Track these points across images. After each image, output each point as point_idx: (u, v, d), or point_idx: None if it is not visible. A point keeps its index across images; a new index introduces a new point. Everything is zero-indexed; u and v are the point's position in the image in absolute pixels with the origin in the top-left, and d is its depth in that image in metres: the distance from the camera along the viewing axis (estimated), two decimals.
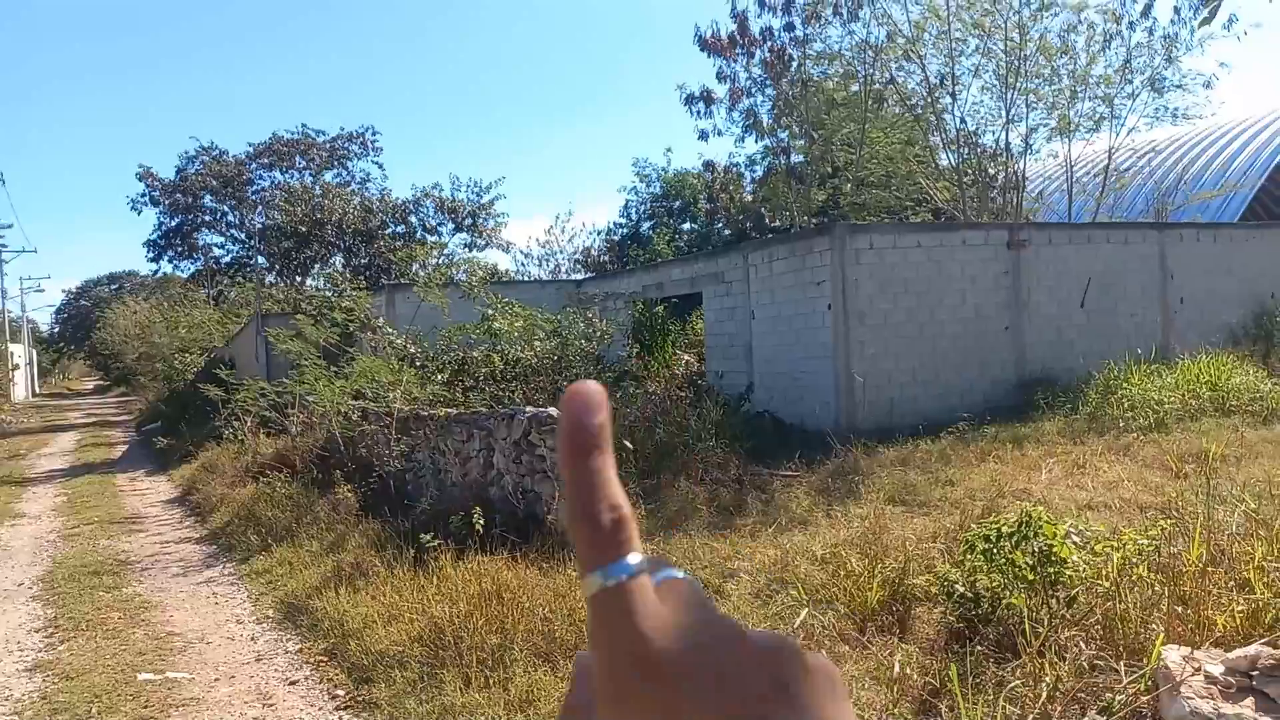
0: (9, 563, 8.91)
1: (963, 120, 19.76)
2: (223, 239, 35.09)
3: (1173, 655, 3.38)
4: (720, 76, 22.24)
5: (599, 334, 11.54)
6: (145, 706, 4.93)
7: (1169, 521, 4.81)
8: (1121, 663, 3.71)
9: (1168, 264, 14.62)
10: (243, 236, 34.04)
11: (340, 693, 5.00)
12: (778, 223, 26.35)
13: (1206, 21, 3.42)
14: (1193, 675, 3.24)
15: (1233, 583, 4.20)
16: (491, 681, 4.56)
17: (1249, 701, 3.08)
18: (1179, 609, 4.01)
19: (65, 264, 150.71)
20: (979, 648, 4.27)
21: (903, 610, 4.94)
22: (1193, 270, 14.84)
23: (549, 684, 4.45)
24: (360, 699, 4.85)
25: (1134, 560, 4.44)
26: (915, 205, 22.26)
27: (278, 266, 32.96)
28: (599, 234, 36.14)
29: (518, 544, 6.44)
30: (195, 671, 5.47)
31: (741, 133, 24.27)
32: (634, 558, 0.38)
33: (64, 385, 73.87)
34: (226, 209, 34.08)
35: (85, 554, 9.07)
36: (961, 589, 4.71)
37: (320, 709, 4.82)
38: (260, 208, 33.38)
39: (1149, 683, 3.46)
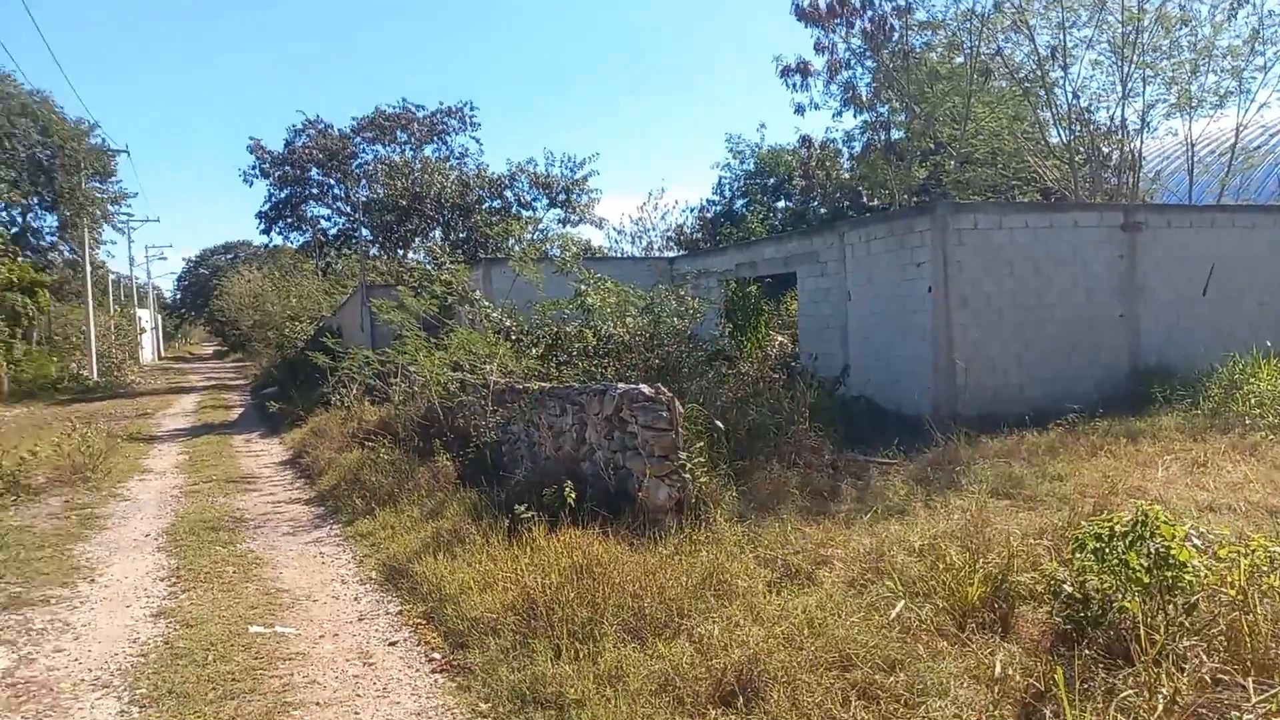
0: (138, 514, 9.48)
1: (1074, 95, 18.86)
2: (329, 211, 36.33)
3: None
4: (818, 48, 21.75)
5: (691, 312, 11.47)
6: (256, 658, 5.17)
7: None
8: (1250, 679, 3.49)
9: None
10: (348, 209, 35.16)
11: (436, 656, 5.13)
12: (876, 201, 25.72)
13: None
14: None
15: None
16: (581, 654, 4.60)
17: None
18: None
19: (186, 233, 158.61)
20: (1087, 652, 4.09)
21: (1005, 608, 4.76)
22: None
23: (637, 659, 4.46)
24: (455, 663, 4.96)
25: (1264, 568, 4.17)
26: (1023, 184, 21.40)
27: (381, 239, 33.96)
28: (692, 211, 36.00)
29: (608, 519, 6.48)
30: (301, 627, 5.71)
31: (840, 106, 23.74)
32: None
33: (186, 349, 78.08)
34: (332, 182, 35.24)
35: (204, 510, 9.58)
36: (1070, 589, 4.52)
37: (417, 670, 4.96)
38: (364, 181, 34.39)
39: None
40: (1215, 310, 12.98)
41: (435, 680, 4.82)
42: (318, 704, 4.56)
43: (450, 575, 5.99)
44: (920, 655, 4.31)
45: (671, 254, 28.61)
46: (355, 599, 6.32)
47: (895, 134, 23.64)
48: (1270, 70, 17.73)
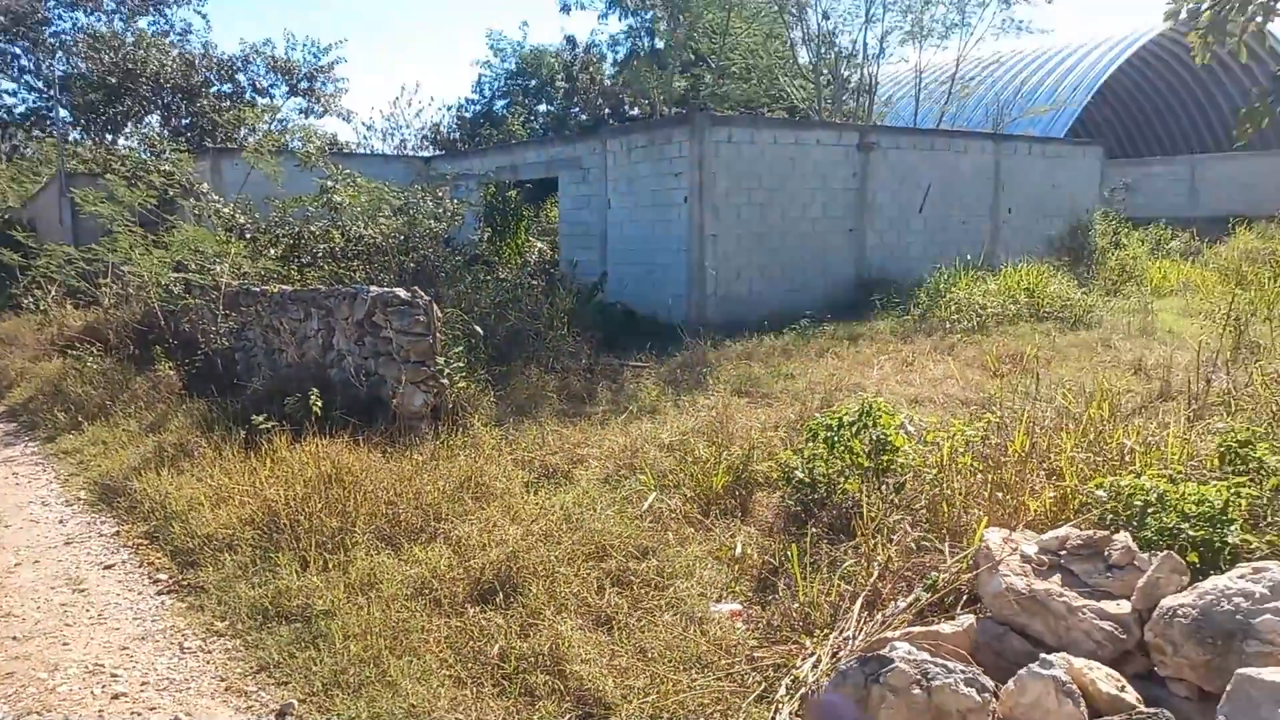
0: None
1: (825, 16, 19.82)
2: (14, 85, 31.06)
3: (993, 537, 3.64)
4: None
5: (449, 214, 11.03)
6: None
7: (992, 415, 5.14)
8: (946, 544, 3.97)
9: (1000, 175, 15.42)
10: (39, 85, 30.26)
11: (163, 577, 4.71)
12: (637, 110, 25.91)
13: None
14: (1010, 555, 3.50)
15: (1045, 471, 4.55)
16: (331, 565, 4.40)
17: (1057, 578, 3.36)
18: (998, 495, 4.32)
19: None
20: (815, 530, 4.48)
21: (745, 495, 5.11)
22: (1022, 182, 15.73)
23: (392, 566, 4.34)
24: (186, 583, 4.59)
25: (959, 450, 4.74)
26: (772, 101, 22.36)
27: (83, 121, 29.62)
28: (449, 110, 34.50)
29: (360, 427, 6.19)
30: None
31: (605, 8, 23.44)
32: None
33: None
34: (18, 51, 30.06)
35: None
36: (801, 475, 4.91)
37: (139, 594, 4.53)
38: (60, 53, 29.63)
39: (970, 562, 3.72)
40: (929, 226, 14.40)
41: (162, 602, 4.43)
42: (16, 638, 4.04)
43: (177, 492, 5.49)
44: (670, 542, 4.53)
45: (427, 154, 27.33)
46: (60, 521, 5.64)
47: (659, 43, 23.76)
48: (988, 6, 19.54)
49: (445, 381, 6.69)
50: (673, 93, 22.93)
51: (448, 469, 5.49)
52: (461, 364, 7.00)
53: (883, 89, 21.60)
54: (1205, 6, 3.81)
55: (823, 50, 20.01)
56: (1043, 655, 2.92)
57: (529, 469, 5.75)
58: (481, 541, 4.48)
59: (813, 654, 3.43)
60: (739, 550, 4.38)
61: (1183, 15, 3.94)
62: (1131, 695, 2.84)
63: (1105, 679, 2.87)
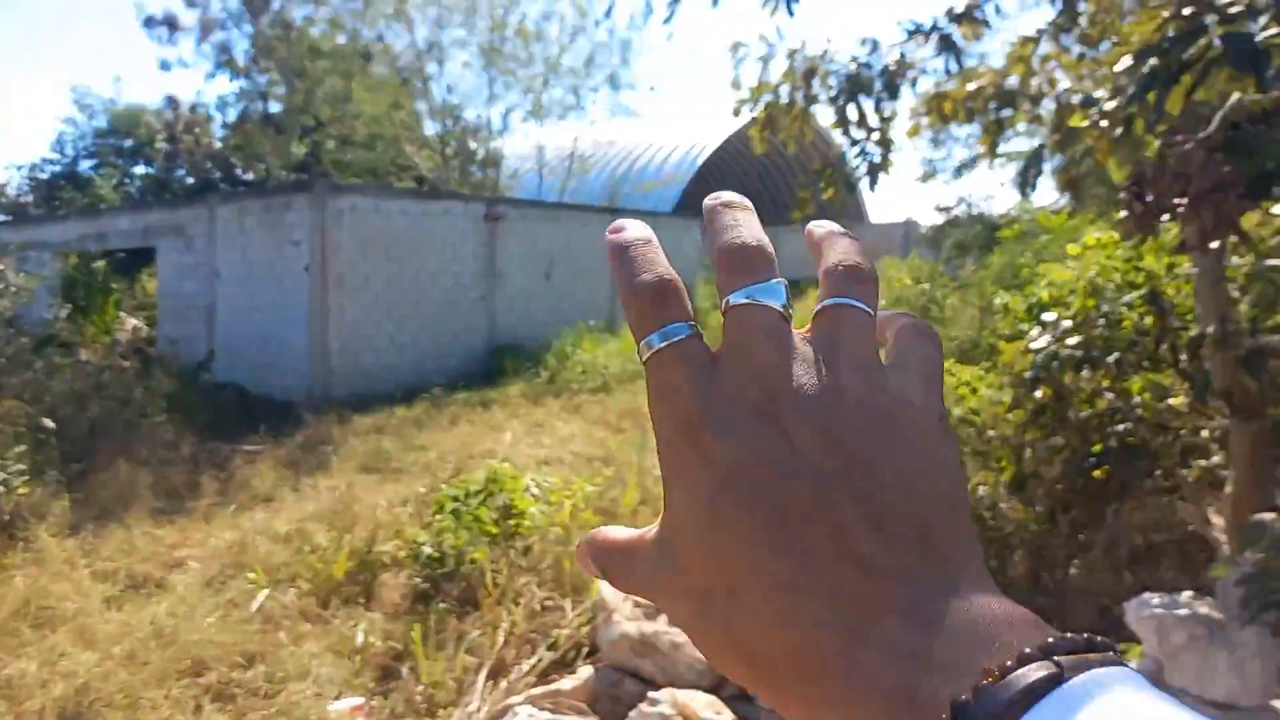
0: None
1: (449, 90, 20.25)
2: None
3: (608, 589, 3.79)
4: (190, 2, 19.72)
5: (12, 290, 9.41)
6: None
7: (610, 470, 5.41)
8: (568, 600, 4.06)
9: None
10: None
11: None
12: (251, 175, 24.33)
13: (668, 20, 3.99)
14: (624, 602, 3.65)
15: (656, 518, 4.86)
16: None
17: (664, 619, 3.57)
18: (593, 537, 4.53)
19: None
20: (443, 605, 4.36)
21: (370, 579, 4.84)
22: None
23: None
24: None
25: (582, 506, 4.91)
26: (400, 170, 22.23)
27: None
28: (20, 169, 29.77)
29: None
30: None
31: (214, 69, 21.87)
32: (679, 324, 0.35)
33: None
34: None
35: None
36: (429, 550, 4.77)
37: None
38: None
39: (590, 615, 3.84)
40: (556, 293, 15.08)
41: None
42: None
43: None
44: (282, 642, 4.13)
45: None
46: None
47: (274, 106, 22.60)
48: (599, 91, 21.22)
49: None
50: (291, 158, 21.90)
51: None
52: (24, 465, 5.93)
53: (508, 162, 22.44)
54: (761, 107, 4.43)
55: (449, 123, 20.37)
56: (650, 694, 3.06)
57: (112, 581, 4.96)
58: (40, 678, 3.74)
59: None
60: (360, 640, 4.11)
61: (745, 113, 4.55)
62: (728, 717, 3.08)
63: (705, 706, 3.08)
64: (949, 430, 0.35)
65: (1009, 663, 0.26)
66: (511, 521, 4.91)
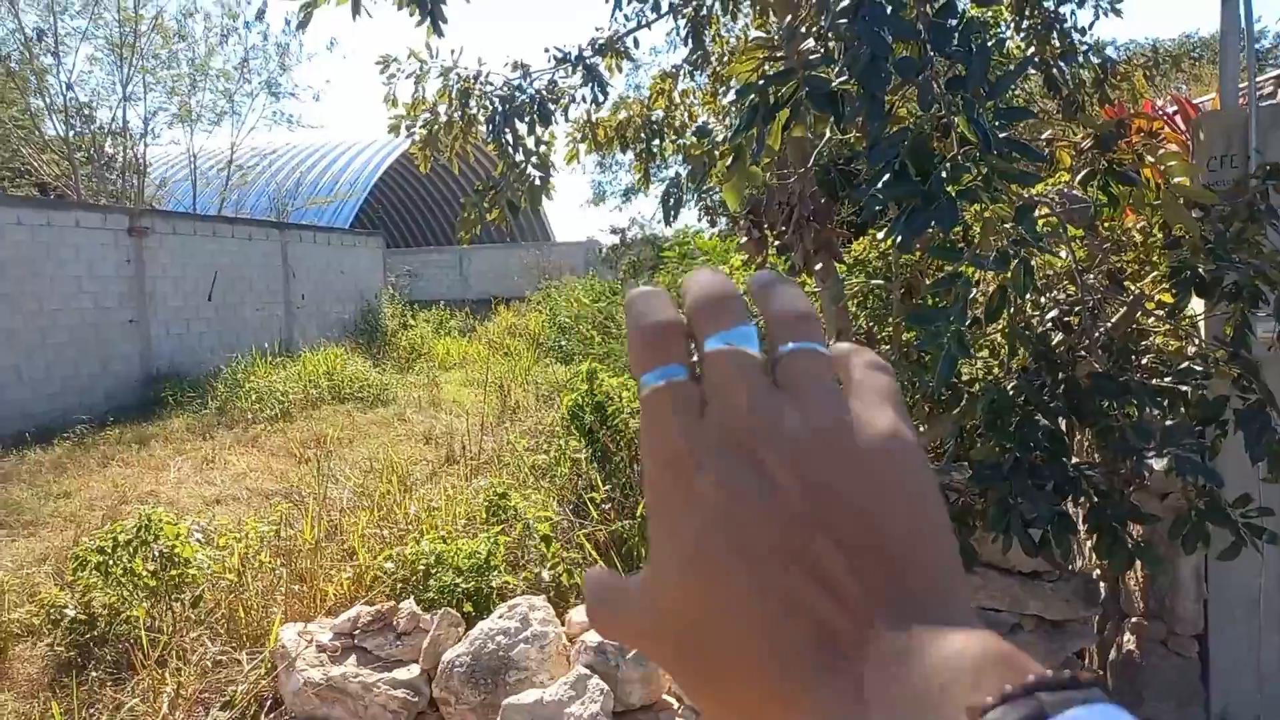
0: None
1: (70, 87, 17.84)
2: None
3: (289, 633, 3.60)
4: None
5: None
6: None
7: (287, 505, 5.11)
8: (244, 652, 3.79)
9: (290, 262, 15.67)
10: None
11: None
12: None
13: (302, 26, 3.81)
14: (306, 648, 3.49)
15: (342, 553, 4.68)
16: None
17: (353, 659, 3.46)
18: (296, 587, 4.30)
19: None
20: (95, 674, 3.88)
21: None
22: (312, 269, 16.23)
23: None
24: None
25: (256, 548, 4.60)
26: (16, 176, 19.20)
27: None
28: None
29: None
30: None
31: None
32: (676, 366, 0.36)
33: None
34: None
35: None
36: (73, 612, 4.22)
37: None
38: None
39: (269, 665, 3.61)
40: (221, 315, 13.87)
41: None
42: None
43: None
44: None
45: None
46: None
47: None
48: (256, 98, 19.80)
49: None
50: None
51: None
52: None
53: (155, 170, 20.23)
54: (419, 125, 4.43)
55: (77, 124, 17.94)
56: None
57: None
58: None
59: None
60: None
61: (403, 131, 4.51)
62: None
63: None
64: (923, 456, 0.35)
65: (990, 700, 0.26)
66: (174, 572, 4.47)
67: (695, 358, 0.37)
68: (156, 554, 4.44)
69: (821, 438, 0.34)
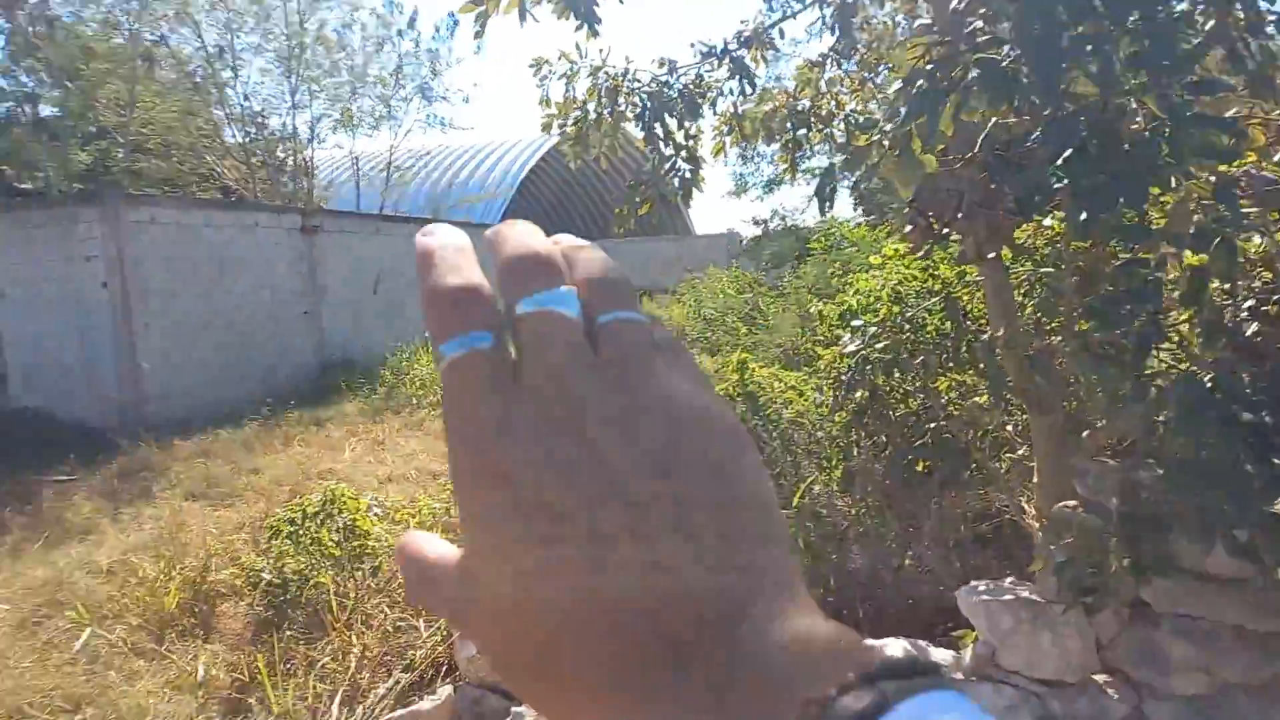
0: None
1: (246, 98, 19.30)
2: None
3: None
4: None
5: None
6: None
7: None
8: (421, 620, 4.07)
9: None
10: None
11: None
12: (29, 184, 22.17)
13: (479, 35, 4.03)
14: None
15: None
16: None
17: None
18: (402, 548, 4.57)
19: None
20: (289, 633, 4.26)
21: (207, 610, 4.64)
22: None
23: None
24: None
25: (429, 524, 4.92)
26: (202, 180, 20.93)
27: None
28: None
29: None
30: None
31: None
32: (481, 333, 0.33)
33: None
34: None
35: None
36: (269, 576, 4.64)
37: None
38: None
39: (445, 633, 3.87)
40: (386, 308, 14.73)
41: None
42: None
43: None
44: (113, 683, 3.92)
45: None
46: None
47: (48, 110, 20.64)
48: (411, 101, 20.81)
49: None
50: (73, 167, 20.12)
51: None
52: None
53: (322, 173, 21.61)
54: (570, 123, 4.61)
55: (252, 131, 19.40)
56: (514, 709, 3.16)
57: None
58: None
59: None
60: (202, 673, 3.96)
61: (555, 130, 4.70)
62: None
63: None
64: (747, 436, 0.34)
65: (832, 692, 0.25)
66: (355, 543, 4.84)
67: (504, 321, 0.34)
68: (340, 526, 4.82)
69: (649, 408, 0.31)
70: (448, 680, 3.72)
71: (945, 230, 2.84)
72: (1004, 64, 2.29)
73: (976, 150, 2.80)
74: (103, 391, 10.54)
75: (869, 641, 0.28)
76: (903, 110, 2.51)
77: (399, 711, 3.45)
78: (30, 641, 4.33)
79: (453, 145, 25.21)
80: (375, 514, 5.15)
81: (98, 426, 9.77)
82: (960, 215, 2.70)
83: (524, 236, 0.37)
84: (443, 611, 0.33)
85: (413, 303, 15.29)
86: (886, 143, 2.62)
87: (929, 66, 2.45)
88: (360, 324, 14.13)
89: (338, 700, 3.66)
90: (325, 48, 19.44)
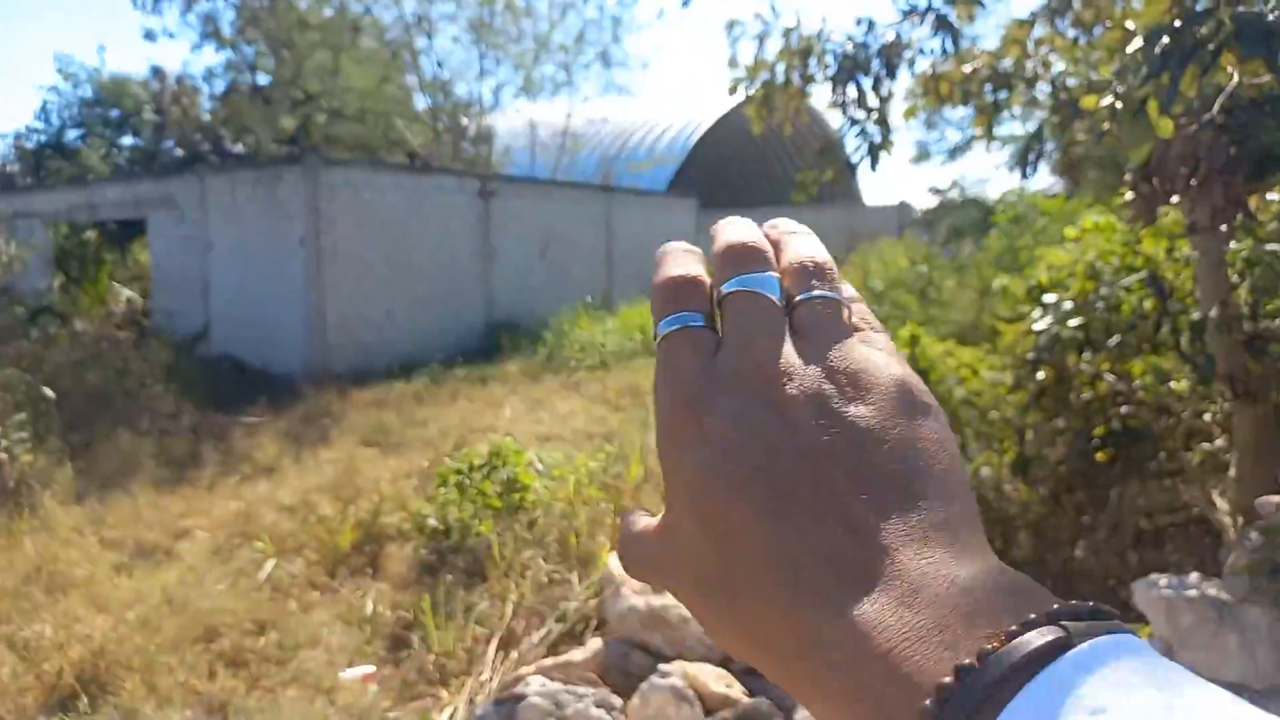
0: None
1: (438, 65, 20.11)
2: None
3: (616, 562, 3.86)
4: None
5: (5, 260, 9.37)
6: None
7: (613, 446, 5.47)
8: (575, 574, 4.13)
9: (612, 223, 16.65)
10: None
11: None
12: (242, 147, 24.12)
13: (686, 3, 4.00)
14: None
15: (660, 494, 4.94)
16: None
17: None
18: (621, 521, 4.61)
19: None
20: (450, 577, 4.43)
21: (376, 550, 4.91)
22: (631, 230, 17.12)
23: None
24: None
25: (585, 482, 4.98)
26: (391, 145, 22.08)
27: None
28: (4, 138, 29.42)
29: None
30: None
31: (199, 39, 21.58)
32: (694, 314, 0.37)
33: None
34: None
35: None
36: (434, 522, 4.84)
37: None
38: None
39: (598, 588, 3.91)
40: (552, 271, 15.10)
41: None
42: None
43: None
44: (292, 611, 4.20)
45: None
46: None
47: (263, 78, 22.35)
48: (591, 68, 21.15)
49: (2, 456, 5.63)
50: (280, 131, 21.71)
51: (8, 559, 4.60)
52: (26, 433, 5.95)
53: (500, 139, 22.34)
54: (757, 85, 4.45)
55: (440, 98, 20.25)
56: (660, 666, 3.14)
57: (120, 549, 5.01)
58: (58, 640, 3.80)
59: (449, 704, 3.37)
60: (369, 609, 4.18)
61: (740, 92, 4.56)
62: (738, 690, 3.16)
63: (715, 679, 3.16)
64: (932, 397, 0.35)
65: (1014, 627, 0.26)
66: (516, 496, 4.97)
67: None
68: (504, 479, 4.96)
69: (836, 379, 0.34)
70: (598, 634, 3.76)
71: (1174, 198, 2.54)
72: (1266, 19, 2.01)
73: (1214, 113, 2.49)
74: (293, 341, 11.37)
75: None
76: (1142, 69, 2.26)
77: (551, 660, 3.51)
78: (224, 567, 4.72)
79: (628, 113, 25.42)
80: (536, 469, 5.27)
81: (287, 372, 10.56)
82: (1194, 183, 2.40)
83: (737, 229, 0.40)
84: (647, 567, 0.37)
85: (578, 267, 15.59)
86: (1119, 105, 2.36)
87: (1174, 23, 2.19)
88: (527, 287, 14.54)
89: (494, 645, 3.77)
90: (513, 14, 19.98)
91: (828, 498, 0.31)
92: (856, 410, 0.33)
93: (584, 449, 6.50)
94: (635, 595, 3.58)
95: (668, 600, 3.53)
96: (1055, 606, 0.26)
